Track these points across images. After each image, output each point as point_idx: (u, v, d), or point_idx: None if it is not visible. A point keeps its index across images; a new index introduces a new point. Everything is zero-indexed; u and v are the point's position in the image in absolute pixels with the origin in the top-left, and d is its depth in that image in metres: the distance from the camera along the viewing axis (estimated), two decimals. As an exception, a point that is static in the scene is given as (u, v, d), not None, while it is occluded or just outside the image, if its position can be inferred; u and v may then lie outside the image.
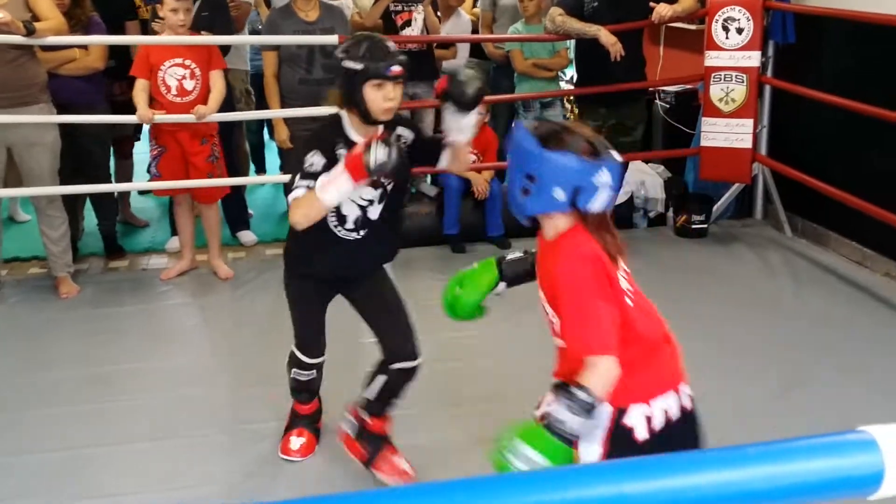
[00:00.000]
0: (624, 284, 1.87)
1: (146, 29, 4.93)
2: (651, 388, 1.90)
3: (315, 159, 2.33)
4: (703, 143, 4.72)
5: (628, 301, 1.86)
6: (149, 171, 4.43)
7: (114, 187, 4.90)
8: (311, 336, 2.81)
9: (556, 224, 1.85)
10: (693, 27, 5.94)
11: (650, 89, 5.34)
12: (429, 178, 5.25)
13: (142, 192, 5.68)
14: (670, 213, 5.22)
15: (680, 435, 1.92)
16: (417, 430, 2.93)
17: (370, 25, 4.94)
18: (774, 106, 4.89)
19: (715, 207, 5.05)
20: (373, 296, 2.69)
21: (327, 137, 2.44)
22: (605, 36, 4.25)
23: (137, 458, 2.88)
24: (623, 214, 5.08)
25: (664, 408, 1.88)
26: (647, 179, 5.20)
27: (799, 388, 3.22)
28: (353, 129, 2.44)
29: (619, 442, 1.86)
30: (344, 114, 2.45)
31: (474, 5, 6.24)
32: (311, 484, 2.72)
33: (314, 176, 2.30)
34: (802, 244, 4.76)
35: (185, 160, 4.32)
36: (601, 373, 1.73)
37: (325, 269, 2.62)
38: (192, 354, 3.65)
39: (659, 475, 0.81)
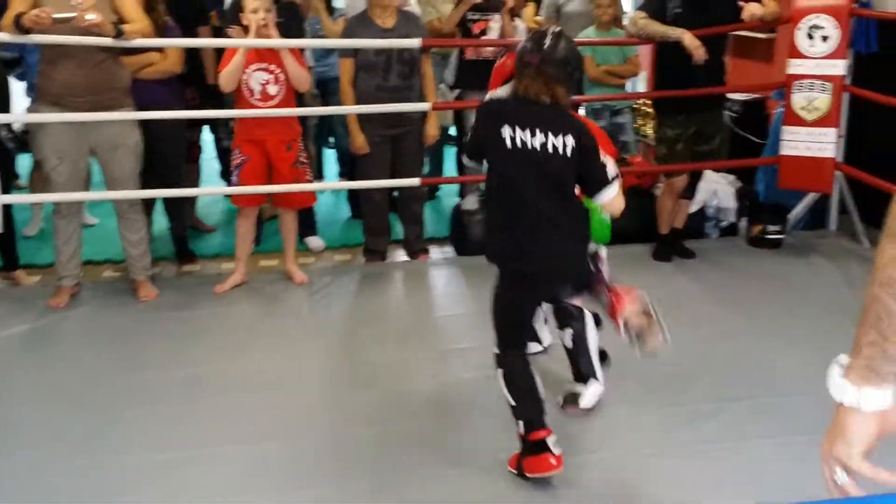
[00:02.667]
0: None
1: (217, 36, 4.97)
2: None
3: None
4: (784, 151, 4.66)
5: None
6: (228, 179, 4.44)
7: (198, 191, 4.94)
8: None
9: None
10: (763, 36, 5.91)
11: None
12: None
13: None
14: (742, 223, 5.17)
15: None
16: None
17: (447, 31, 4.95)
18: (851, 114, 4.83)
19: (790, 216, 5.00)
20: None
21: None
22: (690, 39, 4.20)
23: (235, 460, 2.86)
24: (694, 224, 5.05)
25: None
26: (719, 189, 5.15)
27: None
28: None
29: None
30: None
31: (537, 13, 6.23)
32: (415, 491, 2.69)
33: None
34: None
35: (269, 169, 4.31)
36: None
37: None
38: (277, 358, 3.63)
39: None
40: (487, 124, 2.58)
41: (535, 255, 2.56)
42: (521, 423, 2.62)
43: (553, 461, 2.58)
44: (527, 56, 2.50)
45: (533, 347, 3.08)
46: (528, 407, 2.64)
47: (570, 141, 2.47)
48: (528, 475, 2.64)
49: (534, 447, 2.61)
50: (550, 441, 2.60)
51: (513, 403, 2.63)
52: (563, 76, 2.51)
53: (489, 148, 2.58)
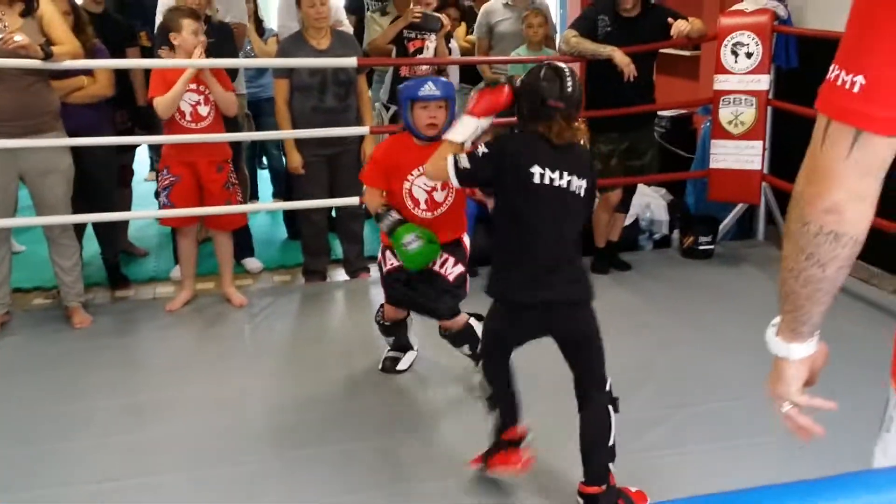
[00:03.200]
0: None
1: (146, 56, 4.91)
2: None
3: None
4: (713, 165, 4.80)
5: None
6: (157, 200, 4.38)
7: (131, 215, 4.85)
8: None
9: None
10: (687, 53, 6.07)
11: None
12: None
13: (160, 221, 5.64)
14: (675, 235, 5.29)
15: None
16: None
17: (380, 44, 4.98)
18: (775, 127, 4.99)
19: (721, 227, 5.13)
20: None
21: None
22: (620, 56, 4.31)
23: (179, 488, 2.81)
24: (629, 237, 5.15)
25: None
26: (651, 202, 5.27)
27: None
28: None
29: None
30: None
31: (468, 32, 6.29)
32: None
33: None
34: (808, 264, 4.83)
35: (200, 189, 4.27)
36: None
37: None
38: (219, 382, 3.58)
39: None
40: (512, 160, 2.52)
41: (550, 288, 2.53)
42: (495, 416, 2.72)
43: (519, 460, 2.64)
44: (551, 101, 2.47)
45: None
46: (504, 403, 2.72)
47: (585, 184, 2.54)
48: (490, 472, 2.69)
49: (505, 444, 2.68)
50: (525, 440, 2.69)
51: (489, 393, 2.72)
52: (577, 113, 2.56)
53: (511, 183, 2.53)
